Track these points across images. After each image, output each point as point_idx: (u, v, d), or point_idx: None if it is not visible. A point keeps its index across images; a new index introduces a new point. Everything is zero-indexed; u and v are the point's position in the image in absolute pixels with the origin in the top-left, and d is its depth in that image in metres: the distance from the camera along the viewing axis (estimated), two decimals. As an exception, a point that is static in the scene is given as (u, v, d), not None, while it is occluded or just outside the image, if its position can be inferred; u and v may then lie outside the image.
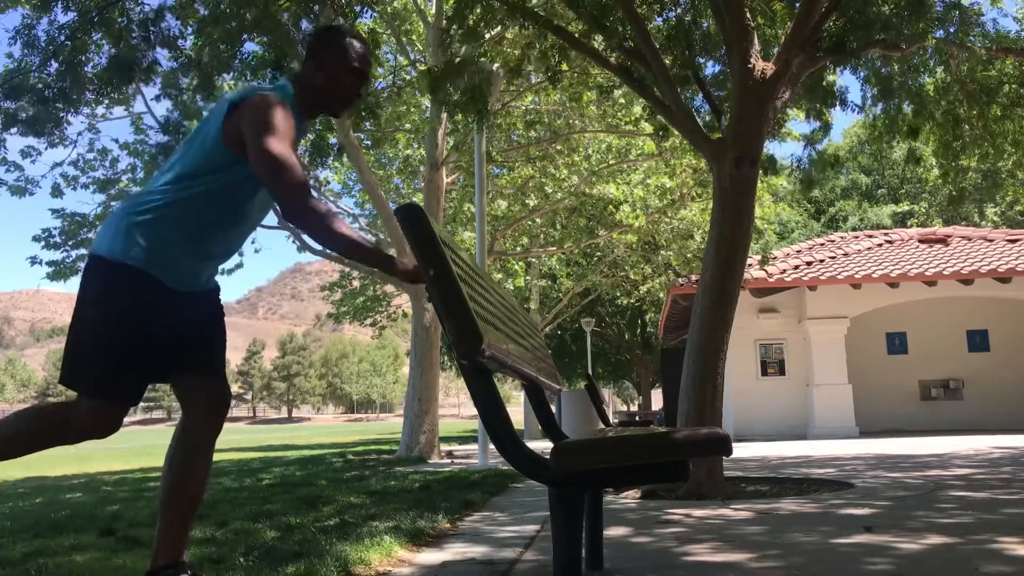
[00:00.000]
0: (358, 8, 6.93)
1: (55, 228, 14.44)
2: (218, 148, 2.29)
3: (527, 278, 20.15)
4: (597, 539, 2.76)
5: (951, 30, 7.13)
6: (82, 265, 14.50)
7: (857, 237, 17.54)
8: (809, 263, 14.87)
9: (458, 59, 6.85)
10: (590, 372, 25.98)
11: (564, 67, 7.69)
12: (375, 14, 10.70)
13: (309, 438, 29.28)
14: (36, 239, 14.36)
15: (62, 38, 6.98)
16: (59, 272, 14.34)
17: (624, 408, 50.28)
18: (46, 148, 10.76)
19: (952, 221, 25.01)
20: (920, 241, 16.11)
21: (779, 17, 7.26)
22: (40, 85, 7.20)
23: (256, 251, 17.12)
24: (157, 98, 9.09)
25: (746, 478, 6.36)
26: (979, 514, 3.97)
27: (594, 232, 16.40)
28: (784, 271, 14.48)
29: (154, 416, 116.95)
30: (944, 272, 13.76)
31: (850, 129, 33.75)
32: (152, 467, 11.15)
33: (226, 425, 2.52)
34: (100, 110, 13.39)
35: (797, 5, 6.65)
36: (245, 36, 6.48)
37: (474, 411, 2.72)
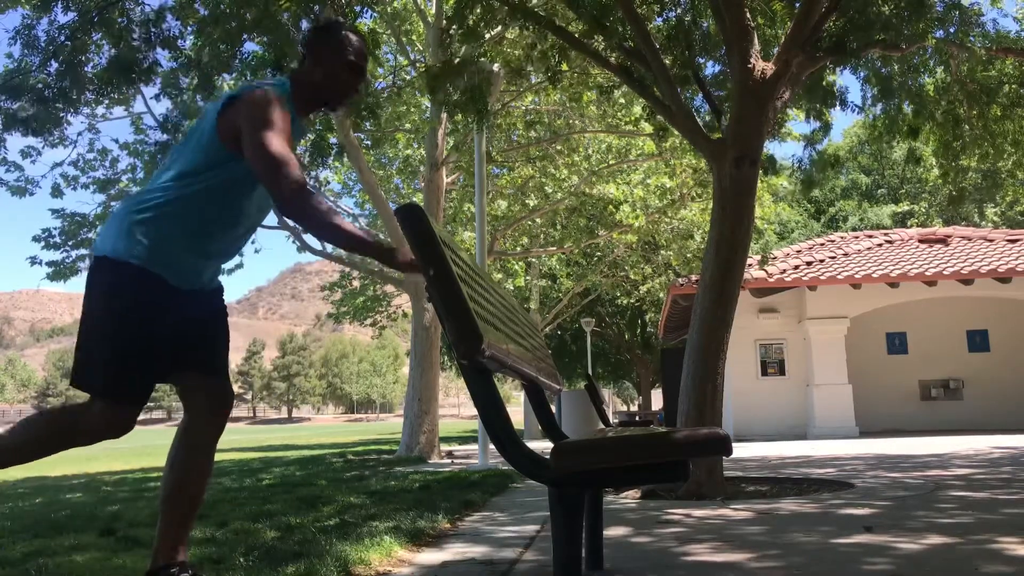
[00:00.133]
0: (358, 8, 6.93)
1: (55, 228, 14.42)
2: (214, 144, 2.29)
3: (527, 278, 20.15)
4: (597, 539, 2.76)
5: (951, 30, 7.13)
6: (82, 265, 14.60)
7: (857, 237, 17.54)
8: (809, 263, 14.87)
9: (458, 59, 6.85)
10: (590, 372, 25.98)
11: (564, 67, 7.69)
12: (375, 14, 10.70)
13: (309, 438, 29.28)
14: (36, 239, 14.35)
15: (62, 38, 6.98)
16: (59, 272, 14.32)
17: (624, 408, 50.27)
18: (45, 147, 10.78)
19: (952, 221, 25.01)
20: (920, 241, 16.11)
21: (779, 17, 7.26)
22: (40, 85, 7.20)
23: (256, 251, 17.11)
24: (157, 98, 9.09)
25: (746, 478, 6.36)
26: (979, 514, 3.97)
27: (594, 232, 16.40)
28: (784, 271, 14.48)
29: (154, 416, 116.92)
30: (944, 272, 13.76)
31: (850, 129, 33.76)
32: (152, 467, 11.15)
33: (226, 425, 2.52)
34: (100, 110, 13.39)
35: (797, 5, 6.65)
36: (245, 36, 6.49)
37: (474, 411, 2.72)
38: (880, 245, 16.15)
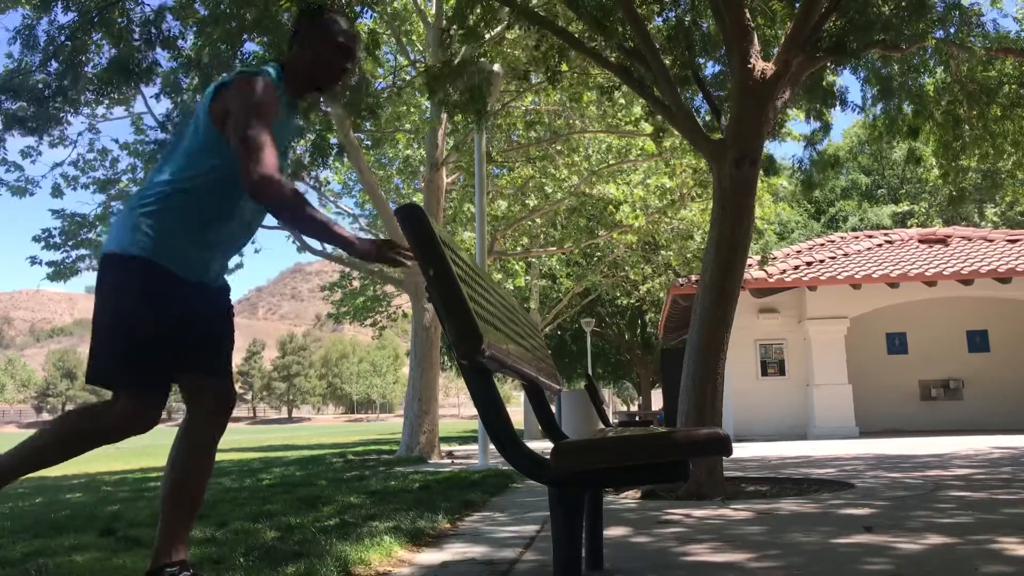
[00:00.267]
0: (358, 8, 6.93)
1: (55, 228, 14.41)
2: (210, 132, 2.32)
3: (527, 278, 20.15)
4: (597, 539, 2.76)
5: (951, 30, 7.13)
6: (82, 265, 14.57)
7: (857, 237, 17.54)
8: (809, 263, 14.87)
9: (458, 60, 6.85)
10: (590, 372, 25.98)
11: (564, 67, 7.69)
12: (375, 14, 10.69)
13: (309, 438, 29.28)
14: (36, 239, 14.34)
15: (62, 38, 6.98)
16: (59, 272, 14.32)
17: (624, 408, 50.27)
18: (42, 147, 10.77)
19: (952, 221, 25.01)
20: (920, 241, 16.11)
21: (779, 17, 7.27)
22: (40, 85, 7.20)
23: (256, 251, 17.08)
24: (157, 98, 9.08)
25: (746, 478, 6.36)
26: (979, 514, 3.97)
27: (594, 232, 16.40)
28: (784, 271, 14.48)
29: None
30: (944, 272, 13.76)
31: (850, 129, 33.77)
32: (152, 467, 11.15)
33: (227, 425, 2.53)
34: (100, 110, 13.37)
35: (797, 5, 6.66)
36: (245, 36, 6.49)
37: (474, 411, 2.72)
38: (880, 245, 16.15)
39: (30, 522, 4.71)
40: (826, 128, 8.11)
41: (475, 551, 3.32)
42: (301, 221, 2.24)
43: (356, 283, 21.69)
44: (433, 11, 12.04)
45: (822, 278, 14.22)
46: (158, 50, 7.05)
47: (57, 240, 14.39)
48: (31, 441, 2.30)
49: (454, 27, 6.73)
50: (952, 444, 10.44)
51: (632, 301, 22.47)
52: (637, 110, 12.62)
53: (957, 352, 15.84)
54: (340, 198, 18.05)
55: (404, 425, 12.17)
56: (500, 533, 3.86)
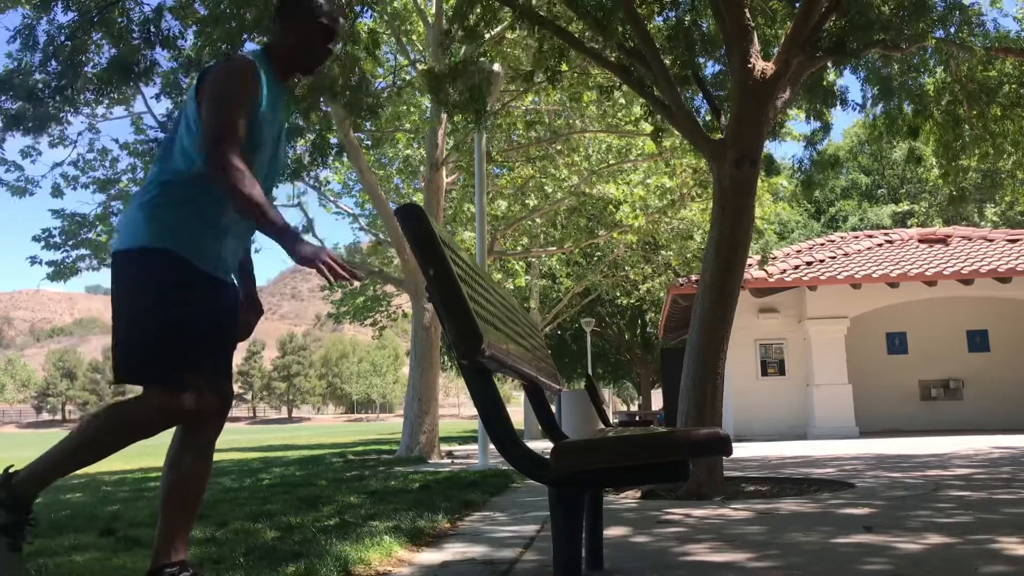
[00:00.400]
0: (358, 8, 6.93)
1: (55, 228, 14.40)
2: (198, 119, 2.33)
3: (527, 278, 20.15)
4: (597, 539, 2.76)
5: (951, 30, 7.13)
6: (82, 265, 14.55)
7: (857, 237, 17.53)
8: (809, 263, 14.87)
9: (458, 60, 6.85)
10: (590, 372, 25.98)
11: (564, 67, 7.69)
12: (375, 14, 10.69)
13: (309, 438, 29.28)
14: (36, 239, 14.33)
15: (62, 38, 6.98)
16: (59, 272, 14.32)
17: (624, 408, 50.26)
18: (42, 146, 10.77)
19: (952, 221, 25.01)
20: (920, 241, 16.11)
21: (779, 17, 7.27)
22: (40, 85, 7.19)
23: (256, 251, 17.13)
24: (157, 98, 9.09)
25: (746, 478, 6.36)
26: (979, 514, 3.97)
27: (594, 232, 16.39)
28: (784, 271, 14.47)
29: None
30: (944, 272, 13.76)
31: (850, 129, 33.79)
32: (152, 467, 11.15)
33: (226, 425, 2.52)
34: (100, 110, 13.37)
35: (797, 5, 6.65)
36: (245, 36, 6.48)
37: (474, 411, 2.72)
38: (880, 245, 16.15)
39: (30, 522, 4.70)
40: (826, 128, 8.11)
41: (475, 551, 3.32)
42: (236, 198, 2.20)
43: (356, 283, 21.65)
44: (433, 11, 12.03)
45: (822, 278, 14.22)
46: (158, 49, 7.05)
47: (57, 240, 14.39)
48: (67, 441, 2.29)
49: (454, 27, 6.73)
50: (952, 444, 10.44)
51: (632, 301, 22.47)
52: (637, 110, 12.61)
53: (957, 352, 15.84)
54: (340, 198, 18.04)
55: (404, 425, 12.17)
56: (500, 533, 3.86)
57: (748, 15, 5.88)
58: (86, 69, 7.19)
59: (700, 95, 7.06)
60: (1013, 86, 8.08)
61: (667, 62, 6.39)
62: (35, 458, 2.32)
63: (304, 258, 2.16)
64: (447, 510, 4.47)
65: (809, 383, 14.70)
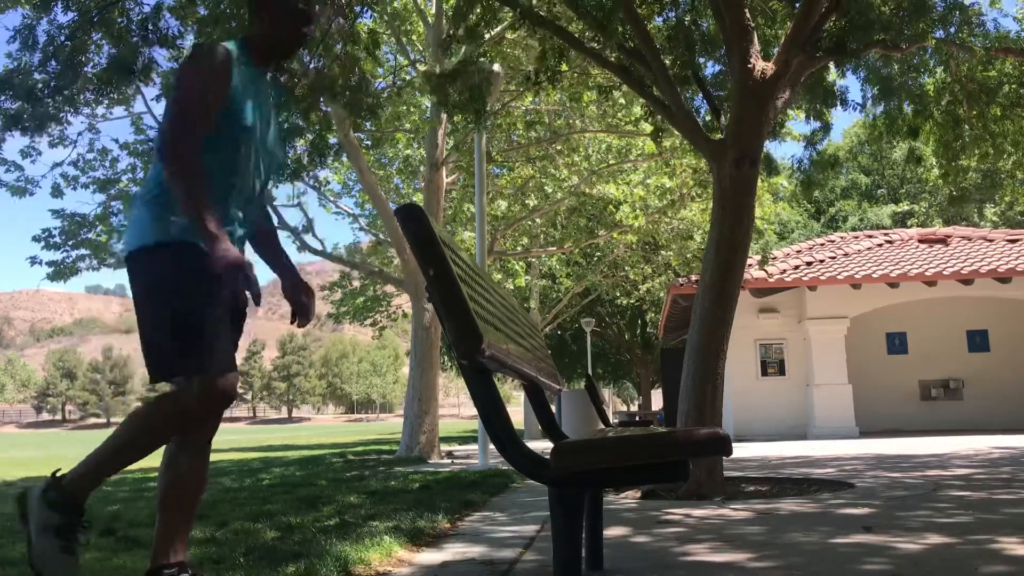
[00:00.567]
0: (358, 8, 6.93)
1: (55, 228, 14.41)
2: None
3: (527, 278, 20.15)
4: (597, 539, 2.76)
5: (951, 30, 7.13)
6: (82, 265, 14.54)
7: (857, 237, 17.53)
8: (809, 263, 14.87)
9: (458, 60, 6.85)
10: (590, 372, 25.98)
11: (564, 67, 7.69)
12: (375, 14, 10.69)
13: (309, 438, 29.28)
14: (36, 239, 14.33)
15: (62, 38, 6.98)
16: (59, 272, 14.32)
17: (624, 408, 50.25)
18: (42, 146, 10.76)
19: (952, 221, 25.02)
20: (920, 241, 16.11)
21: (779, 17, 7.27)
22: (40, 85, 7.19)
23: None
24: (157, 98, 9.09)
25: (746, 478, 6.36)
26: (978, 514, 3.97)
27: (594, 232, 16.39)
28: (784, 271, 14.48)
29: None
30: (944, 272, 13.76)
31: (850, 129, 33.78)
32: (151, 467, 11.12)
33: (226, 425, 2.52)
34: (100, 110, 13.36)
35: (797, 5, 6.66)
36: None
37: (474, 411, 2.72)
38: (880, 245, 16.15)
39: (30, 522, 4.70)
40: (826, 128, 8.11)
41: (475, 551, 3.32)
42: (176, 188, 2.20)
43: (356, 283, 21.68)
44: (433, 11, 12.04)
45: (822, 278, 14.22)
46: (157, 49, 7.04)
47: (57, 240, 14.39)
48: (114, 438, 2.28)
49: (454, 27, 6.72)
50: (952, 444, 10.44)
51: (632, 301, 22.47)
52: (637, 110, 12.61)
53: (957, 352, 15.83)
54: (340, 198, 18.05)
55: (404, 425, 12.16)
56: (500, 533, 3.86)
57: (748, 15, 5.88)
58: (86, 69, 7.19)
59: (700, 95, 7.06)
60: (1013, 86, 8.08)
61: (667, 62, 6.39)
62: (82, 457, 2.32)
63: (228, 270, 2.15)
64: (447, 510, 4.47)
65: (809, 383, 14.70)
